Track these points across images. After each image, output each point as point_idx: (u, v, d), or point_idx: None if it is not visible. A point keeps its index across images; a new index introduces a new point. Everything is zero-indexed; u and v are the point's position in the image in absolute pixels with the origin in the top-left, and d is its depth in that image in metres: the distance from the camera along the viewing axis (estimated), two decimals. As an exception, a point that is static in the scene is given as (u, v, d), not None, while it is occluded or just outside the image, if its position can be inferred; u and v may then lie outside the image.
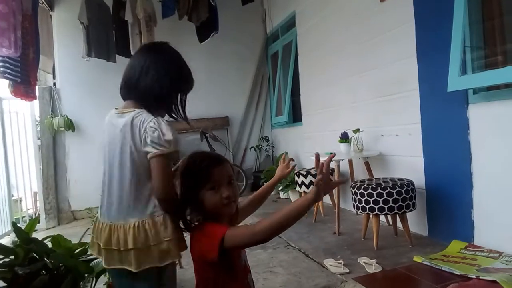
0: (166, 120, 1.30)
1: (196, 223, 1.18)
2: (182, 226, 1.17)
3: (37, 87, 4.53)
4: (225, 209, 1.14)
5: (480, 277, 2.11)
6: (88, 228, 4.27)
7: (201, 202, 1.13)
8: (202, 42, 5.46)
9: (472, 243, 2.64)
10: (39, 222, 4.78)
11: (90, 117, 5.50)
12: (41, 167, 5.17)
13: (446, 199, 2.88)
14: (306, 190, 3.90)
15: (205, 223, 1.13)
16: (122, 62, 5.15)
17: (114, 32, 5.10)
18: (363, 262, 2.56)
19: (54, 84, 5.39)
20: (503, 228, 2.45)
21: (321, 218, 3.96)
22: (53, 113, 5.24)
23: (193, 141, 5.80)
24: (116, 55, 5.09)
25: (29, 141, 5.23)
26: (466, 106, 2.64)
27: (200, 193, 1.12)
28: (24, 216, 5.35)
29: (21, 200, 5.43)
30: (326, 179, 1.01)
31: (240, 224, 1.30)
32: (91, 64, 5.12)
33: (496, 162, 2.47)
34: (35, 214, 5.51)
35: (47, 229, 4.95)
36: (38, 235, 3.31)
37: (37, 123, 5.25)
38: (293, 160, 1.55)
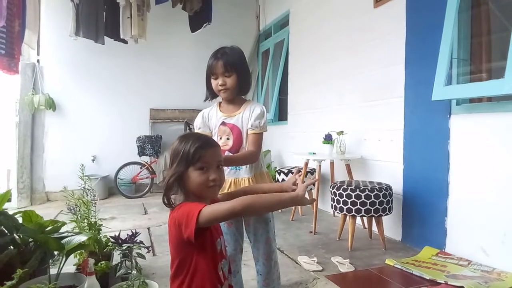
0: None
1: (178, 203, 1.17)
2: (165, 201, 1.15)
3: (20, 62, 4.40)
4: (209, 192, 1.15)
5: (449, 283, 2.16)
6: (62, 210, 4.17)
7: (186, 180, 1.12)
8: (193, 32, 5.39)
9: (443, 250, 2.71)
10: (9, 201, 4.65)
11: (73, 97, 5.38)
12: (17, 145, 5.02)
13: (422, 205, 2.94)
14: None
15: (185, 202, 1.12)
16: (111, 44, 5.06)
17: (104, 13, 4.97)
18: (337, 261, 2.59)
19: (38, 60, 5.22)
20: (474, 237, 2.52)
21: (299, 216, 3.99)
22: (34, 91, 5.09)
23: (176, 131, 5.75)
24: (105, 37, 4.97)
25: (7, 117, 5.06)
26: (448, 116, 2.70)
27: (187, 171, 1.12)
28: (-5, 194, 5.16)
29: (-8, 177, 5.26)
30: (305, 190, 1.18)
31: None
32: (78, 44, 4.98)
33: (473, 173, 2.53)
34: (7, 192, 5.33)
35: (18, 208, 4.81)
36: (9, 212, 3.21)
37: (16, 100, 5.08)
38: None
